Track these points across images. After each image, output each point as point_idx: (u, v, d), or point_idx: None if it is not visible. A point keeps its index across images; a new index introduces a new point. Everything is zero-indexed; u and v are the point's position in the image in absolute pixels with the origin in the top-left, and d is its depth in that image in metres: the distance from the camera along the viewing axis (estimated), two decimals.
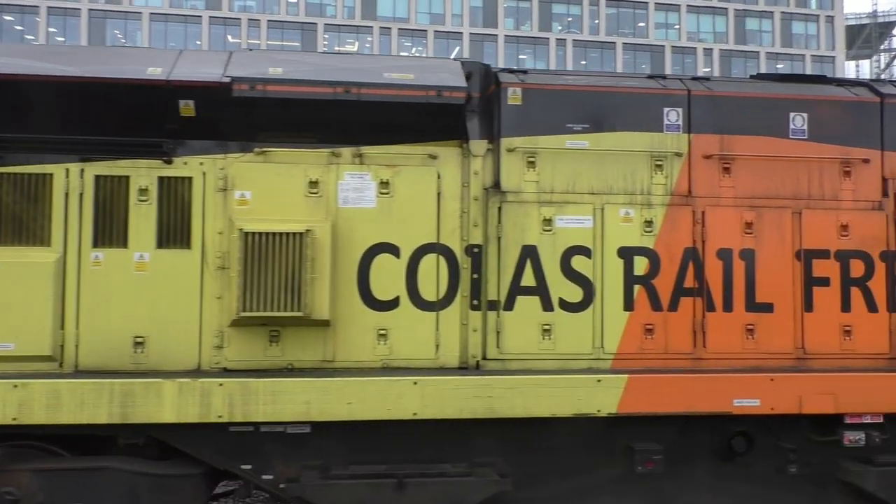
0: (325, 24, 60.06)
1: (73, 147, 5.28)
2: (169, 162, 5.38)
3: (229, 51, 5.77)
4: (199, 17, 60.63)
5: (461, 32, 60.27)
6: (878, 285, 5.94)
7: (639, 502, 5.67)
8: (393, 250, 5.54)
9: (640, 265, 5.73)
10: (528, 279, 5.64)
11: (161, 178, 5.37)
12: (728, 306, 5.80)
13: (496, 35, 60.46)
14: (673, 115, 5.88)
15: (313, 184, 5.48)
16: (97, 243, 5.30)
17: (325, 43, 59.80)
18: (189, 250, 5.37)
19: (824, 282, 5.90)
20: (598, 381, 5.35)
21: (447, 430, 5.39)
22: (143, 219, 5.34)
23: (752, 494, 5.79)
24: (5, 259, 5.18)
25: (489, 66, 5.91)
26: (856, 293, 5.92)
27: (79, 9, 58.79)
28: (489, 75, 5.85)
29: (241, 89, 5.27)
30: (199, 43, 58.07)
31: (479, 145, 5.70)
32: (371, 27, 59.52)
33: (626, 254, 5.73)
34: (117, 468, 5.06)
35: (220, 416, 5.03)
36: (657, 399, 5.42)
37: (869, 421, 5.68)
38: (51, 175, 5.28)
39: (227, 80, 5.26)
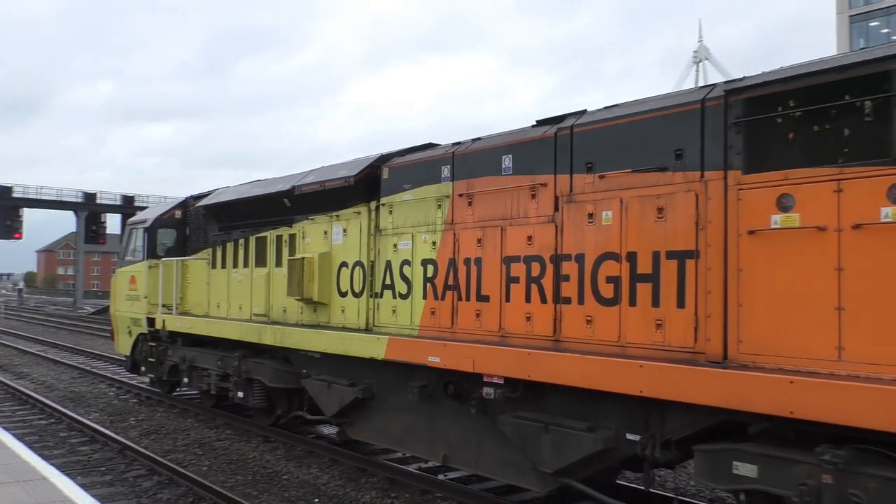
0: None
1: (269, 223, 11.92)
2: (290, 226, 11.48)
3: (314, 168, 11.37)
4: None
5: None
6: (547, 282, 7.59)
7: (417, 413, 8.98)
8: (346, 265, 10.32)
9: (430, 270, 8.97)
10: (387, 280, 9.60)
11: (290, 234, 11.50)
12: (468, 297, 8.47)
13: None
14: (446, 171, 8.85)
15: (325, 232, 10.74)
16: (277, 265, 11.78)
17: None
18: (282, 268, 11.37)
19: (517, 280, 7.91)
20: (378, 339, 9.08)
21: (368, 364, 9.82)
22: (276, 252, 11.60)
23: (472, 427, 8.33)
24: (257, 273, 12.17)
25: (390, 154, 9.91)
26: (534, 288, 7.72)
27: None
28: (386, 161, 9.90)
29: (291, 191, 11.00)
30: None
31: (373, 204, 9.92)
32: None
33: (424, 263, 9.05)
34: (269, 365, 11.46)
35: (272, 342, 10.92)
36: (400, 353, 8.77)
37: (496, 381, 7.64)
38: (266, 237, 12.03)
39: (290, 187, 11.06)
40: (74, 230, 79.02)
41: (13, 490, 6.90)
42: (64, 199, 73.40)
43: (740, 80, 6.34)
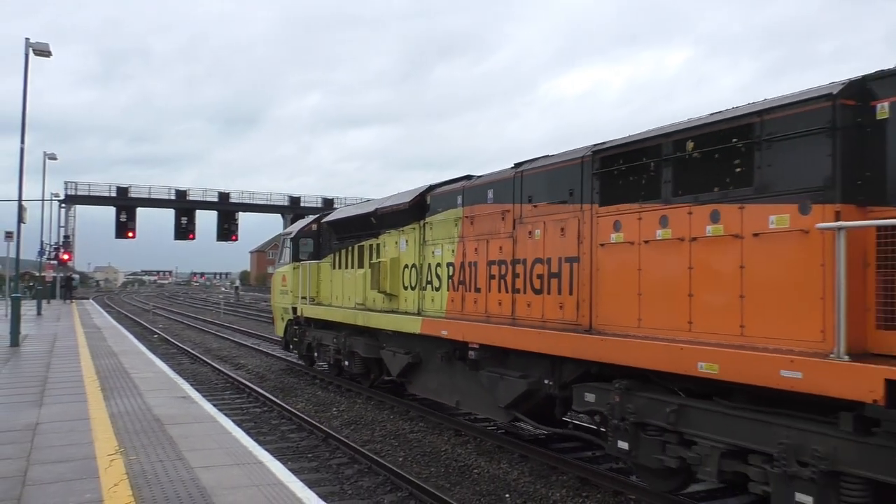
0: None
1: (365, 235, 15.94)
2: (377, 237, 15.43)
3: (396, 193, 15.20)
4: None
5: None
6: (508, 278, 10.95)
7: (443, 372, 12.57)
8: (407, 266, 14.11)
9: (450, 270, 12.56)
10: (429, 278, 13.29)
11: (376, 243, 15.46)
12: (470, 289, 11.98)
13: None
14: (460, 199, 12.39)
15: (395, 242, 14.59)
16: (361, 266, 15.76)
17: None
18: (369, 269, 15.31)
19: (494, 277, 11.33)
20: (416, 319, 12.80)
21: (416, 337, 13.60)
22: (369, 257, 15.57)
23: (470, 380, 11.82)
24: (358, 272, 16.26)
25: (434, 185, 13.52)
26: (502, 283, 11.11)
27: None
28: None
29: (375, 212, 14.94)
30: None
31: (422, 222, 13.61)
32: None
33: (448, 265, 12.65)
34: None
35: (362, 323, 14.92)
36: (428, 328, 12.43)
37: (475, 347, 11.10)
38: (364, 245, 16.07)
39: (374, 209, 15.01)
40: (282, 231, 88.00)
41: (234, 472, 7.66)
42: (272, 203, 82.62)
43: (604, 143, 9.42)
